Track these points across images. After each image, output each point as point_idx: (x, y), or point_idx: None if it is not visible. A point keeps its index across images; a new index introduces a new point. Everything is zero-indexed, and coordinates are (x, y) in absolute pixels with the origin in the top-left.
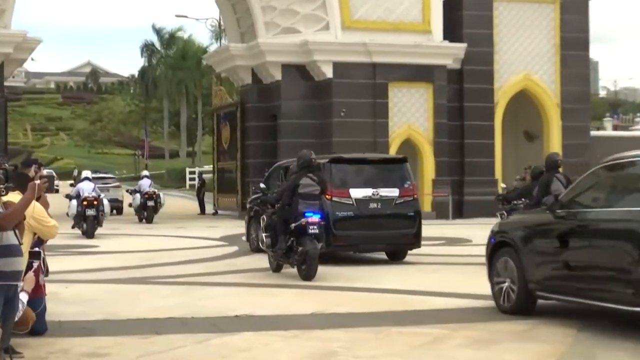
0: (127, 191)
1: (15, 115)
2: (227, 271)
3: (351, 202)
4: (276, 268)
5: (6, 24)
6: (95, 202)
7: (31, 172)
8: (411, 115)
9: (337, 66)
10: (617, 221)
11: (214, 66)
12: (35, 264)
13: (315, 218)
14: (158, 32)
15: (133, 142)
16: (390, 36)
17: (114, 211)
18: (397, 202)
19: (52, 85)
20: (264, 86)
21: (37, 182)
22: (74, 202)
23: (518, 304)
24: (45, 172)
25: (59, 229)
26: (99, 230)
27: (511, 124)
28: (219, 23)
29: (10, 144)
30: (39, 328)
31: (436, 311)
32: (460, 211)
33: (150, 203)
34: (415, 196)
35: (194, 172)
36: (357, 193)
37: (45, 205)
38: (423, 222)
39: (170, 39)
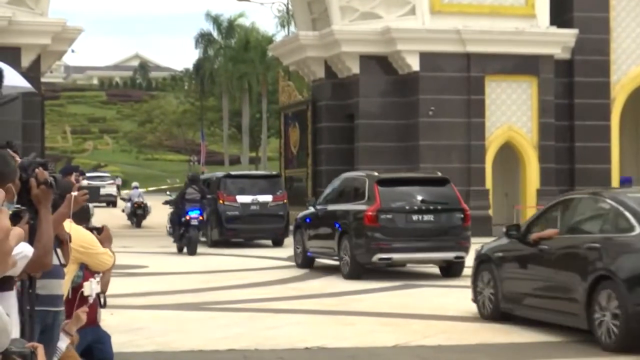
0: (121, 199)
1: (54, 115)
2: (296, 296)
3: (237, 205)
4: (178, 250)
5: (43, 11)
6: None
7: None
8: (512, 114)
9: (425, 57)
10: (335, 212)
11: (281, 58)
12: (92, 298)
13: (195, 214)
14: (215, 19)
15: (187, 146)
16: (487, 21)
17: (111, 205)
18: (270, 205)
19: (95, 81)
20: (339, 81)
21: (74, 193)
22: None
23: (303, 261)
24: (85, 182)
25: (114, 259)
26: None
27: (631, 124)
28: (287, 8)
29: (48, 149)
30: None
31: (540, 344)
32: None
33: (139, 211)
34: (285, 201)
35: None
36: (242, 199)
37: (107, 239)
38: None
39: (229, 27)
